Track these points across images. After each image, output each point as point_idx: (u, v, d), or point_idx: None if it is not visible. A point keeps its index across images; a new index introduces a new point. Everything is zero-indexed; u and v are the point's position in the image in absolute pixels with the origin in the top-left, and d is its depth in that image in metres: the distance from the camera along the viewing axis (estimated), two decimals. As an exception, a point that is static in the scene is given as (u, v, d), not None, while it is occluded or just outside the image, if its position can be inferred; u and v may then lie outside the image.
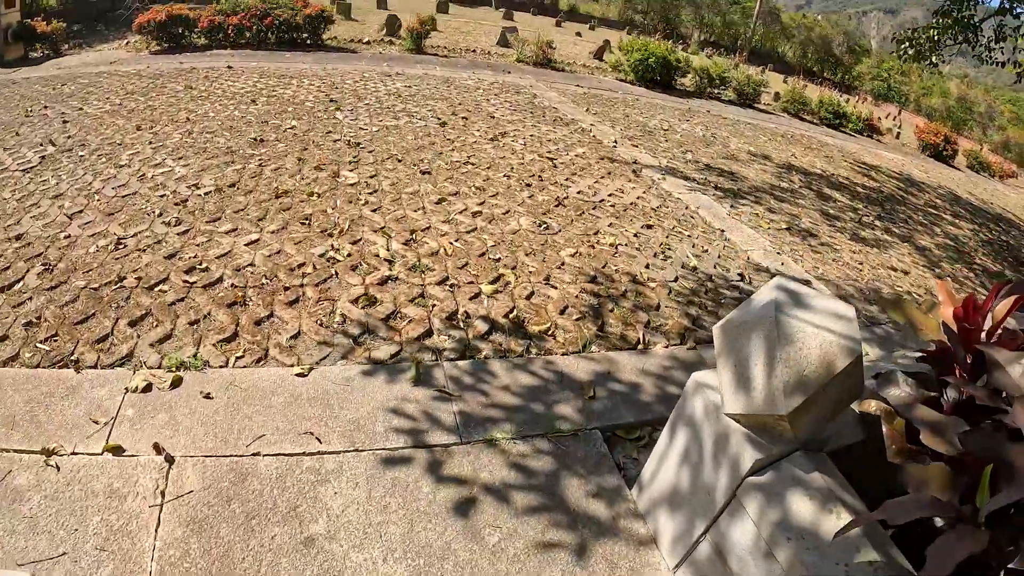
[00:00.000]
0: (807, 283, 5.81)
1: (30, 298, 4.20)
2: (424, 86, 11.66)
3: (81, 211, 5.54)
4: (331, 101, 9.55)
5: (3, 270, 4.69)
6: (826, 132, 17.85)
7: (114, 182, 6.15)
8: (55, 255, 4.79)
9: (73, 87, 10.68)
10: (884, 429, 2.25)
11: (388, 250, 4.93)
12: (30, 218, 5.54)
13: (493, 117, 9.75)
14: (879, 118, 27.88)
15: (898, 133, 27.44)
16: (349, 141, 7.53)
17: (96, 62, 13.77)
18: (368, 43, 17.39)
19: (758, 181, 9.22)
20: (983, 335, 2.39)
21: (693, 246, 6.06)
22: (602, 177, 7.64)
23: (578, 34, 32.26)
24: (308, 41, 15.96)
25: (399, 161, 7.02)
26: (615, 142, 9.47)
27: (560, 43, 23.74)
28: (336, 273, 4.57)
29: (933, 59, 11.86)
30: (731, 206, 7.63)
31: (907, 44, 11.90)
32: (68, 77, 11.79)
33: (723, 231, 6.65)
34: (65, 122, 8.58)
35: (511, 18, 34.13)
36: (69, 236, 5.08)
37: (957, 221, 10.93)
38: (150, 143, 7.32)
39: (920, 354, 2.52)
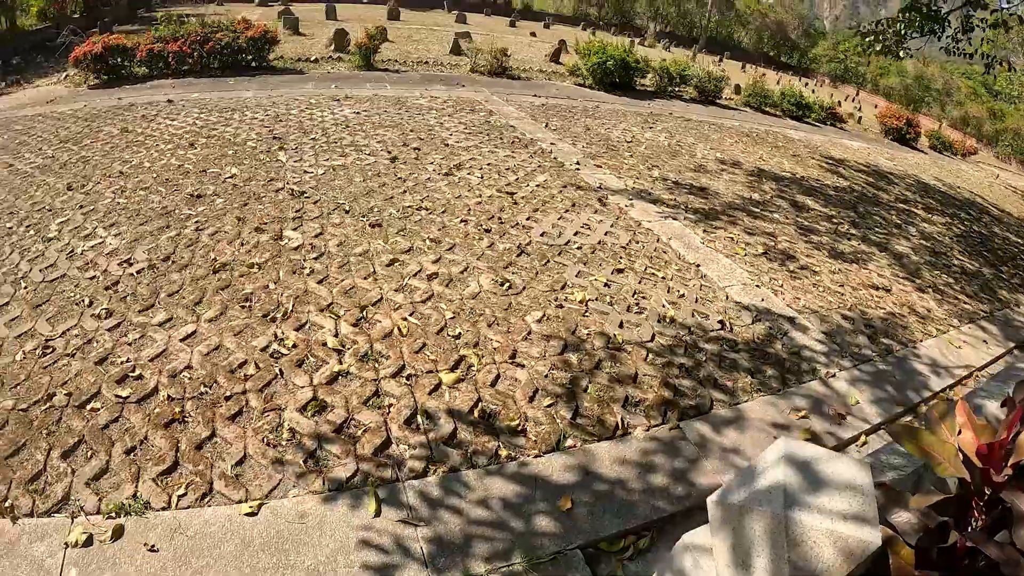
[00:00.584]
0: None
1: (-53, 424, 3.81)
2: (374, 111, 11.21)
3: (7, 303, 5.09)
4: (275, 138, 9.08)
5: (-91, 385, 4.26)
6: (790, 125, 17.70)
7: (42, 262, 5.69)
8: (-26, 365, 4.35)
9: (6, 136, 10.11)
10: (891, 560, 1.93)
11: (336, 336, 4.53)
12: (-55, 313, 5.08)
13: (447, 145, 9.35)
14: (839, 102, 27.97)
15: (860, 117, 27.53)
16: (292, 191, 7.08)
17: (33, 101, 13.13)
18: (316, 61, 16.86)
19: (730, 195, 8.95)
20: (1007, 471, 2.08)
21: (668, 290, 5.73)
22: (566, 211, 7.28)
23: (532, 34, 31.91)
24: (253, 64, 15.40)
25: (346, 213, 6.59)
26: (577, 164, 9.12)
27: (514, 46, 23.37)
28: (281, 372, 4.16)
29: (900, 53, 11.70)
30: (704, 231, 7.34)
31: (872, 39, 11.71)
32: (2, 122, 11.20)
33: (698, 266, 6.35)
34: (-9, 183, 8.04)
35: (464, 20, 33.65)
36: (-10, 339, 4.63)
37: (930, 216, 10.79)
38: (81, 207, 6.84)
39: (937, 498, 2.19)
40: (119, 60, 14.28)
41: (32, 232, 6.37)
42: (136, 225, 6.31)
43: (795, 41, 56.45)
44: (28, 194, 7.47)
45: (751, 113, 18.20)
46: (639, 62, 17.64)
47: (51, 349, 4.43)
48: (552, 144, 10.11)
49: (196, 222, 6.32)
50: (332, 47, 18.56)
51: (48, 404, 3.91)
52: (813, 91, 31.27)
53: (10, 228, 6.54)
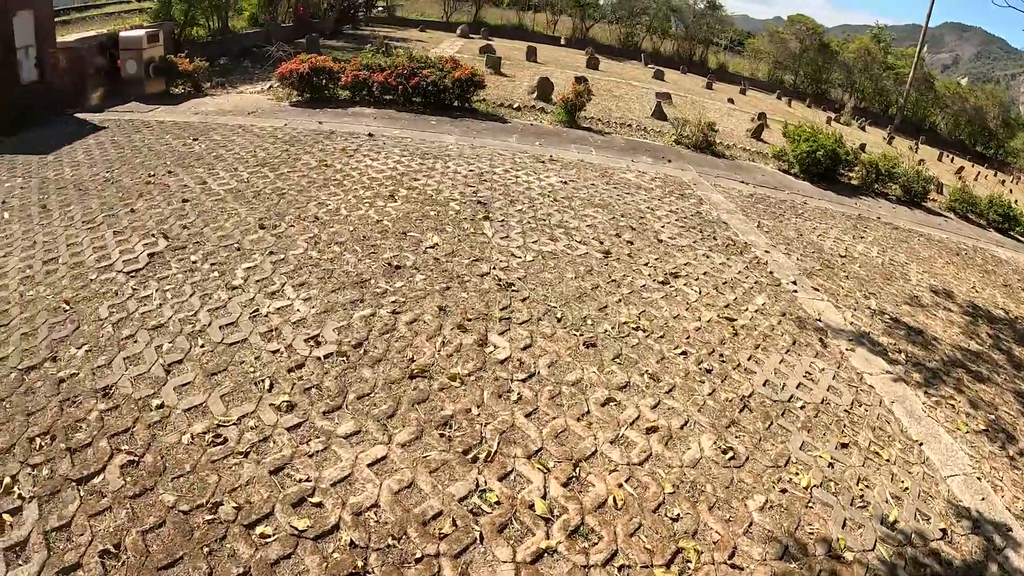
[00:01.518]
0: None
1: (110, 507, 3.74)
2: (581, 182, 10.96)
3: (180, 361, 5.04)
4: (479, 203, 8.96)
5: (84, 446, 4.20)
6: (996, 239, 16.06)
7: (223, 316, 5.68)
8: (143, 437, 4.28)
9: (205, 144, 10.66)
10: None
11: (545, 497, 4.07)
12: (123, 360, 5.10)
13: (660, 240, 8.87)
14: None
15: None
16: (500, 280, 6.79)
17: (235, 109, 13.99)
18: (519, 109, 17.03)
19: (948, 342, 7.98)
20: None
21: (892, 478, 5.00)
22: (787, 351, 6.61)
23: (730, 100, 31.16)
24: (456, 104, 15.67)
25: (558, 321, 6.20)
26: (794, 284, 8.43)
27: (713, 112, 22.89)
28: (480, 536, 3.74)
29: None
30: (926, 393, 6.52)
31: None
32: (202, 128, 11.87)
33: (921, 445, 5.59)
34: (184, 201, 8.34)
35: (661, 77, 33.50)
36: (163, 406, 4.56)
37: None
38: (270, 252, 6.89)
39: None
40: (323, 81, 14.88)
41: (217, 274, 6.44)
42: (328, 291, 6.21)
43: (993, 131, 52.92)
44: (218, 223, 7.65)
45: (955, 221, 16.68)
46: (849, 154, 16.76)
47: (223, 439, 4.29)
48: (766, 252, 9.44)
49: (393, 302, 6.13)
50: (535, 95, 18.75)
51: (213, 515, 3.73)
52: (1010, 191, 28.96)
53: (195, 263, 6.65)
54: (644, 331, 6.39)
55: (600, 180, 11.44)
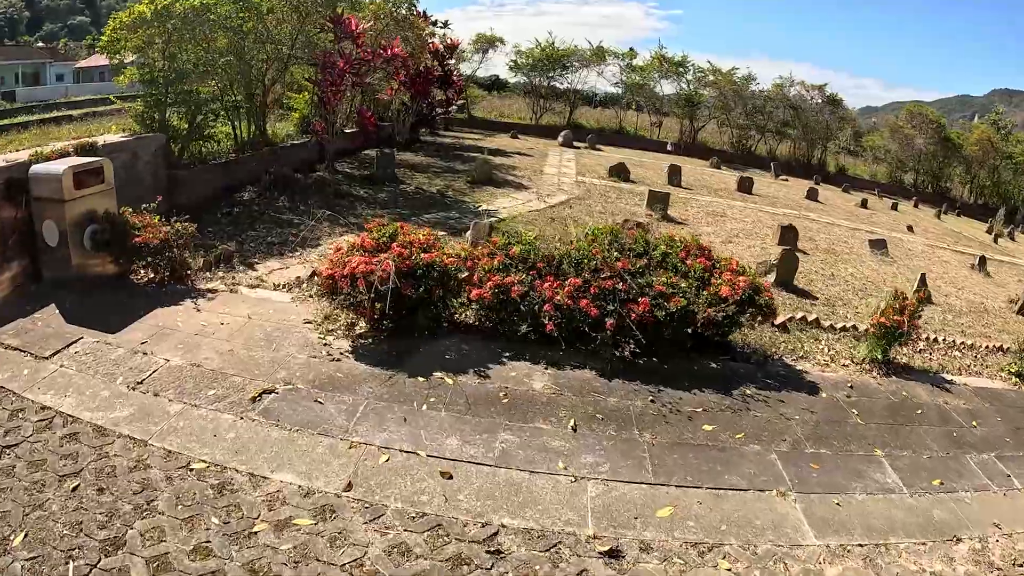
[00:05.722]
0: None
1: None
2: None
3: None
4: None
5: None
6: None
7: None
8: None
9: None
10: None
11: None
12: None
13: None
14: None
15: None
16: None
17: (229, 364, 6.31)
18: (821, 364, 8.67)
19: None
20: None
21: None
22: None
23: (909, 228, 23.35)
24: (703, 343, 7.38)
25: None
26: None
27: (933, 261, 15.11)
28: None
29: None
30: None
31: None
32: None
33: None
34: None
35: (815, 196, 25.59)
36: None
37: None
38: None
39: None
40: (427, 293, 6.82)
41: None
42: None
43: None
44: None
45: None
46: None
47: None
48: None
49: None
50: (771, 274, 10.39)
51: None
52: None
53: None
54: None
55: None
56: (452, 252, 7.30)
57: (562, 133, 30.76)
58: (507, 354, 6.97)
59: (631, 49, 42.84)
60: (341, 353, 6.73)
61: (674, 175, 22.07)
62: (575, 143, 30.24)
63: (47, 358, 6.46)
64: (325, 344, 6.91)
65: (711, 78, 41.50)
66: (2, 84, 55.57)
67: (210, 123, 13.47)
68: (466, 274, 7.17)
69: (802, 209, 22.09)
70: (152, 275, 8.57)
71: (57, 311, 7.48)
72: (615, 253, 7.64)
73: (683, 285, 7.24)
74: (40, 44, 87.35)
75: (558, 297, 6.91)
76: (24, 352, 6.58)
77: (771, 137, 43.37)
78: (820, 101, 43.77)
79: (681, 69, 41.06)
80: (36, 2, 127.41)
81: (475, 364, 6.69)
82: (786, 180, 31.55)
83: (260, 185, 13.21)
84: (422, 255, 6.75)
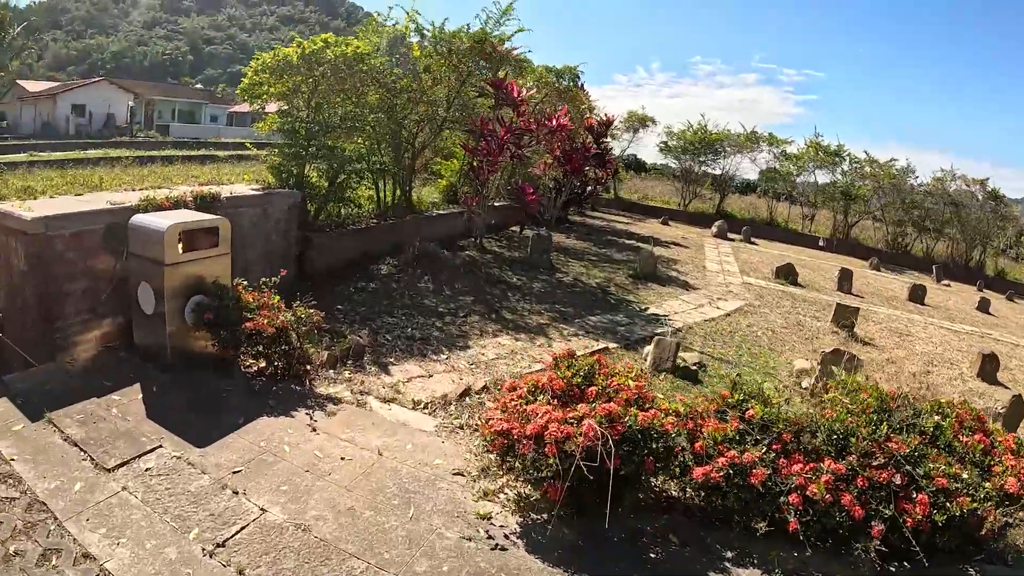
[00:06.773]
0: None
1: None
2: None
3: None
4: None
5: None
6: None
7: None
8: None
9: None
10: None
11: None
12: None
13: None
14: None
15: None
16: None
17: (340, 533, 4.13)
18: None
19: None
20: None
21: None
22: None
23: None
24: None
25: None
26: None
27: None
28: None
29: None
30: None
31: None
32: None
33: None
34: None
35: (986, 308, 21.77)
36: None
37: None
38: None
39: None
40: (648, 463, 4.71)
41: None
42: None
43: None
44: None
45: None
46: None
47: None
48: None
49: None
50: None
51: None
52: None
53: None
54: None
55: None
56: (669, 407, 5.17)
57: (716, 224, 28.47)
58: (729, 554, 4.76)
59: (787, 138, 40.25)
60: (506, 536, 4.66)
61: (844, 280, 19.48)
62: (729, 235, 28.00)
63: (110, 470, 4.88)
64: (483, 518, 4.85)
65: (867, 169, 38.13)
66: (160, 118, 58.18)
67: (352, 184, 11.97)
68: (685, 443, 5.03)
69: (980, 325, 18.91)
70: (263, 365, 6.87)
71: (140, 395, 5.91)
72: (884, 428, 5.36)
73: (965, 476, 4.92)
74: (199, 86, 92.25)
75: (812, 488, 4.69)
76: (85, 453, 5.07)
77: (927, 236, 39.57)
78: (982, 197, 39.62)
79: (836, 159, 37.96)
80: (200, 47, 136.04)
81: (687, 568, 4.53)
82: (948, 286, 28.14)
83: (401, 259, 11.51)
84: (638, 415, 4.65)
